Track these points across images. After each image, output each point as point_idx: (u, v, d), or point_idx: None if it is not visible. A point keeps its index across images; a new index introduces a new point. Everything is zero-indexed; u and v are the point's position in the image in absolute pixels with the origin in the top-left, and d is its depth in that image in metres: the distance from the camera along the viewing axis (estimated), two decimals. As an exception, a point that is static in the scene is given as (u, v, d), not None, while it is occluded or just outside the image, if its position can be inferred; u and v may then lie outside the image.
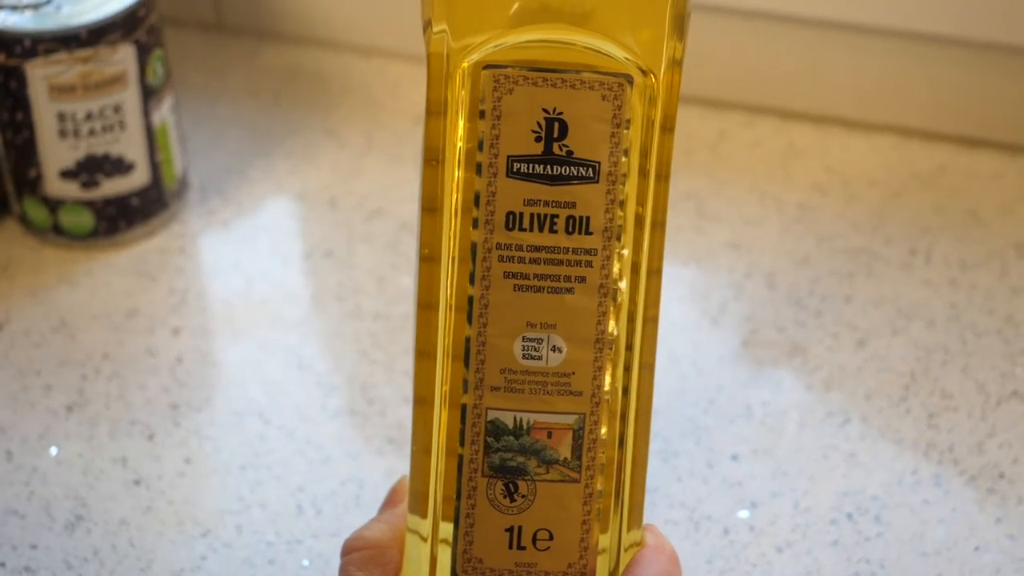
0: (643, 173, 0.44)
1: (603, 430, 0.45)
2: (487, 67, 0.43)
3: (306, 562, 0.57)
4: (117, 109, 0.66)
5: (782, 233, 0.71)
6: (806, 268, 0.69)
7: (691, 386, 0.64)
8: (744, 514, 0.59)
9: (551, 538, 0.46)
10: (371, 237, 0.71)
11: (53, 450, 0.61)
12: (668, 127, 0.44)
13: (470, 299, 0.45)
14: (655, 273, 0.46)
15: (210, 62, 0.81)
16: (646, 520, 0.48)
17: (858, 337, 0.66)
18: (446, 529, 0.46)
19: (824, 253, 0.70)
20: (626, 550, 0.47)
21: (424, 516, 0.46)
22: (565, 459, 0.45)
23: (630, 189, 0.44)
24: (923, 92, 0.75)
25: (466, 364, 0.45)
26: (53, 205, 0.68)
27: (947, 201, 0.73)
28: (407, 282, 0.68)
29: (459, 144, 0.44)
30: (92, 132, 0.66)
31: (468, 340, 0.45)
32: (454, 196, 0.44)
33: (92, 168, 0.67)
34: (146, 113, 0.67)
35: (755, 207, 0.72)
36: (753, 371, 0.64)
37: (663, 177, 0.45)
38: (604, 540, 0.46)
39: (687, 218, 0.72)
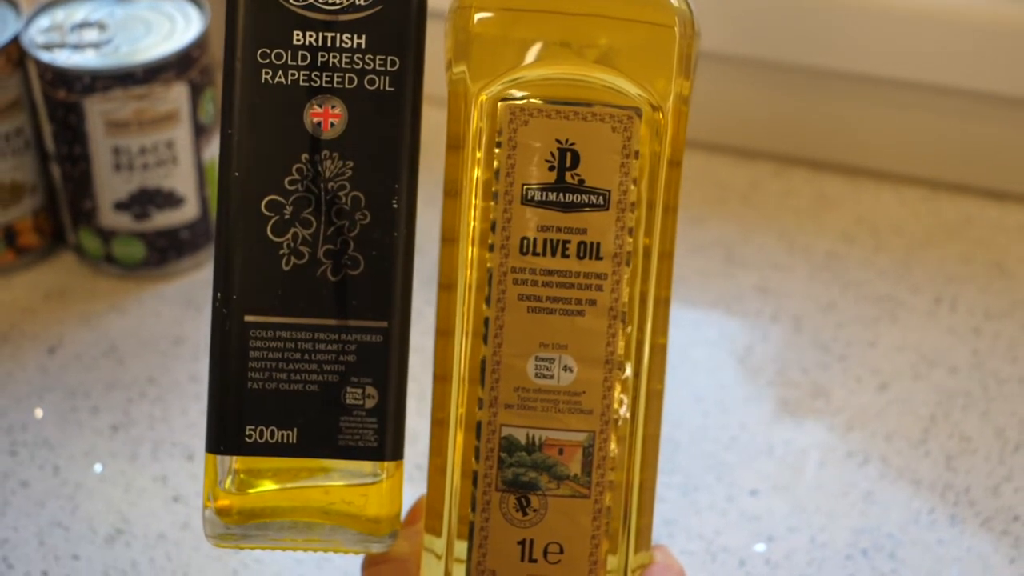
0: (652, 205, 0.47)
1: (612, 448, 0.47)
2: (503, 100, 0.46)
3: (332, 578, 0.59)
4: (170, 145, 0.69)
5: (809, 279, 0.73)
6: (832, 313, 0.71)
7: (714, 423, 0.65)
8: (761, 547, 0.60)
9: (561, 552, 0.48)
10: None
11: (98, 467, 0.64)
12: (676, 161, 0.47)
13: (486, 320, 0.47)
14: (663, 302, 0.48)
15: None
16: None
17: (880, 381, 0.67)
18: (461, 548, 0.48)
19: (850, 299, 0.72)
20: (633, 571, 0.49)
21: (439, 535, 0.48)
22: (575, 475, 0.47)
23: (639, 220, 0.46)
24: (953, 145, 0.76)
25: (481, 383, 0.47)
26: (107, 236, 0.71)
27: (973, 252, 0.74)
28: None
29: (477, 174, 0.46)
30: (145, 166, 0.69)
31: (484, 360, 0.47)
32: (472, 225, 0.47)
33: (144, 201, 0.70)
34: (197, 149, 0.70)
35: (784, 254, 0.74)
36: (776, 411, 0.66)
37: (671, 209, 0.47)
38: (613, 561, 0.48)
39: (717, 263, 0.74)
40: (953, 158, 0.77)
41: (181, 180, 0.71)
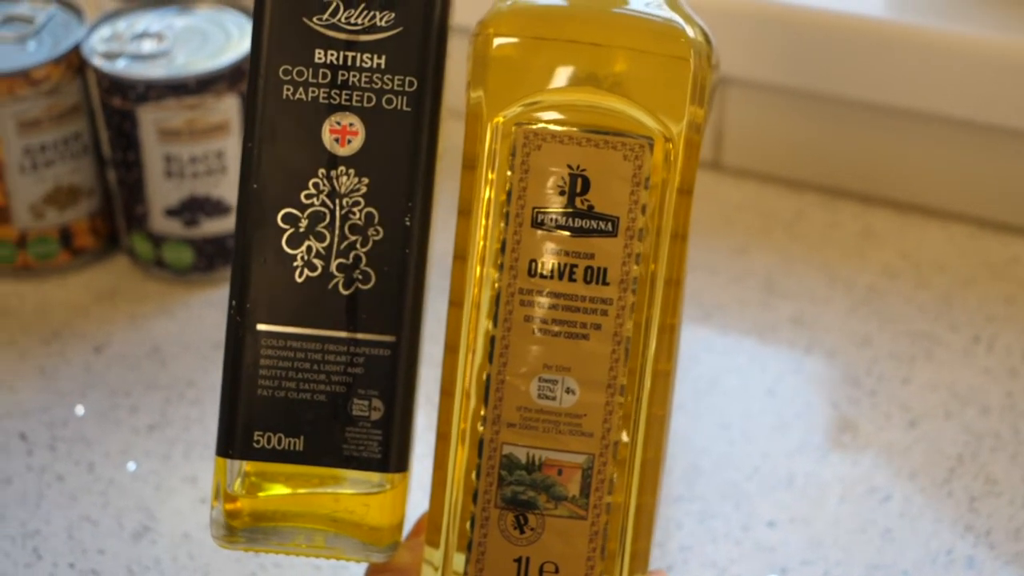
0: (661, 232, 0.47)
1: (611, 471, 0.48)
2: (518, 124, 0.47)
3: (346, 585, 0.60)
4: (219, 155, 0.71)
5: (847, 313, 0.73)
6: (867, 348, 0.71)
7: (737, 452, 0.66)
8: (774, 578, 0.60)
9: (557, 571, 0.48)
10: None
11: (131, 465, 0.65)
12: (686, 189, 0.47)
13: (492, 339, 0.48)
14: (669, 328, 0.48)
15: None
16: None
17: (910, 418, 0.67)
18: (460, 562, 0.49)
19: (887, 335, 0.71)
20: (626, 595, 0.49)
21: (437, 547, 0.49)
22: (574, 496, 0.48)
23: (648, 247, 0.47)
24: (1003, 184, 0.76)
25: (485, 400, 0.48)
26: (158, 240, 0.73)
27: (1017, 292, 0.73)
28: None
29: (489, 195, 0.47)
30: (195, 174, 0.71)
31: (488, 378, 0.48)
32: (482, 244, 0.48)
33: (194, 208, 0.72)
34: (246, 160, 0.72)
35: (824, 287, 0.74)
36: (800, 443, 0.66)
37: (681, 237, 0.48)
38: (607, 584, 0.49)
39: (756, 293, 0.74)
40: (1003, 197, 0.76)
41: (230, 189, 0.72)
